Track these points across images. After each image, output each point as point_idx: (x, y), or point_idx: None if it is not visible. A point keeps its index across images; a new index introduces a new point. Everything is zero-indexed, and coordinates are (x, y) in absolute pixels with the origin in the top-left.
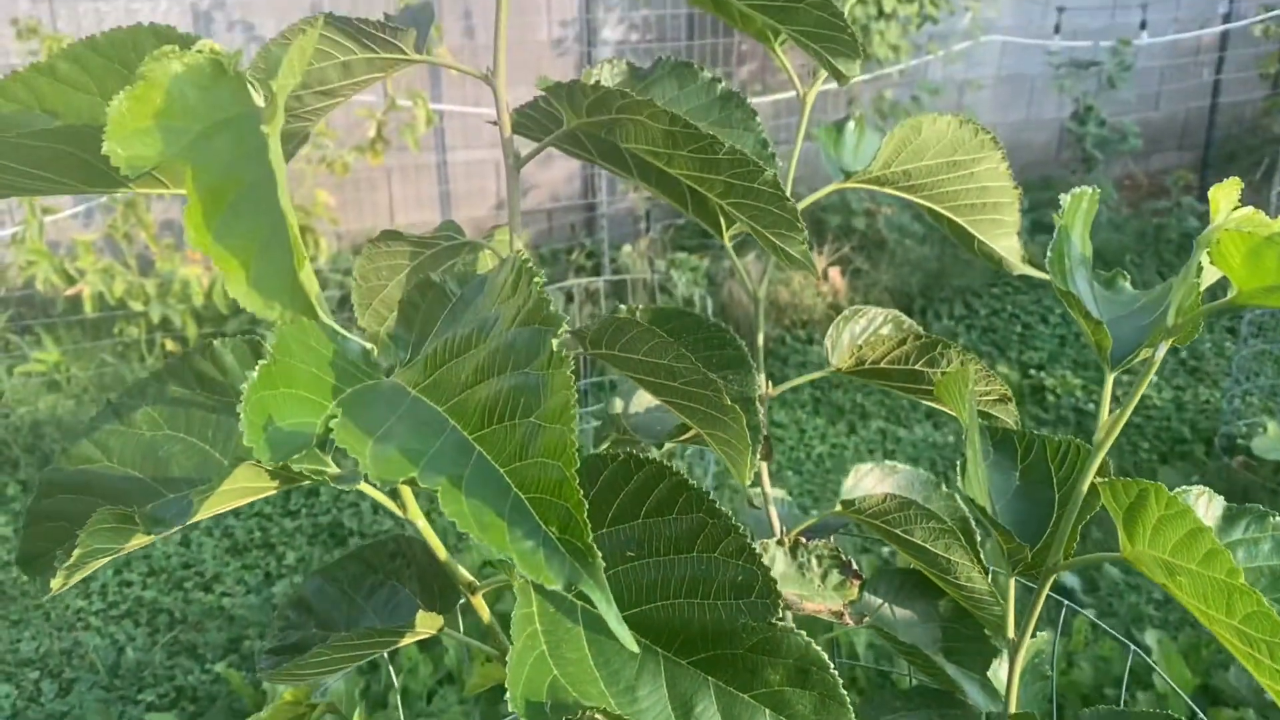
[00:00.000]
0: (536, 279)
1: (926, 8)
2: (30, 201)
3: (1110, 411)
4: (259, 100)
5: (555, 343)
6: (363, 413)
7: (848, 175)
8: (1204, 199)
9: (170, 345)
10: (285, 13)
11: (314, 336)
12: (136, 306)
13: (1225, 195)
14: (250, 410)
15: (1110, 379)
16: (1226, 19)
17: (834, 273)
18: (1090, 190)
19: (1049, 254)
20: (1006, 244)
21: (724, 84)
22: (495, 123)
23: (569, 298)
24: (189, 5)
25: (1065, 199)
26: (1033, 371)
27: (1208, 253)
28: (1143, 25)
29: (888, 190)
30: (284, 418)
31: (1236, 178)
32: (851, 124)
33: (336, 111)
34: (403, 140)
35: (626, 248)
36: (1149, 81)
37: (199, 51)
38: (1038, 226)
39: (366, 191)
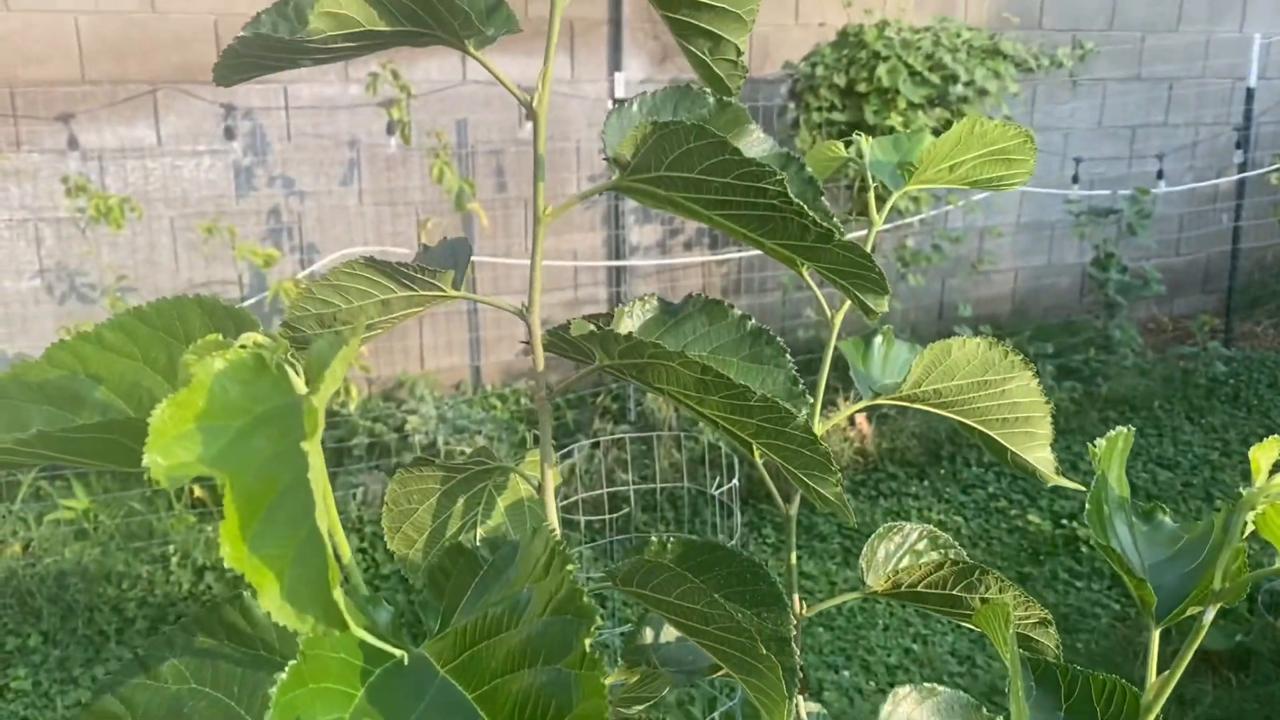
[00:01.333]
0: (570, 566)
1: None
2: None
3: (1157, 672)
4: (299, 385)
5: (588, 642)
6: (390, 699)
7: (878, 393)
8: (1230, 343)
9: (199, 492)
10: (323, 166)
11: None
12: None
13: (1266, 456)
14: (279, 714)
15: (1156, 635)
16: (1242, 168)
17: (861, 419)
18: (1125, 431)
19: (1087, 505)
20: (1040, 455)
21: (752, 321)
22: (528, 344)
23: (595, 445)
24: (231, 162)
25: (1100, 443)
26: (1065, 521)
27: (1253, 520)
28: (1159, 175)
29: (918, 406)
30: (312, 716)
31: (1276, 437)
32: (879, 338)
33: None
34: None
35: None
36: (1169, 227)
37: (243, 346)
38: (1063, 371)
39: (398, 338)
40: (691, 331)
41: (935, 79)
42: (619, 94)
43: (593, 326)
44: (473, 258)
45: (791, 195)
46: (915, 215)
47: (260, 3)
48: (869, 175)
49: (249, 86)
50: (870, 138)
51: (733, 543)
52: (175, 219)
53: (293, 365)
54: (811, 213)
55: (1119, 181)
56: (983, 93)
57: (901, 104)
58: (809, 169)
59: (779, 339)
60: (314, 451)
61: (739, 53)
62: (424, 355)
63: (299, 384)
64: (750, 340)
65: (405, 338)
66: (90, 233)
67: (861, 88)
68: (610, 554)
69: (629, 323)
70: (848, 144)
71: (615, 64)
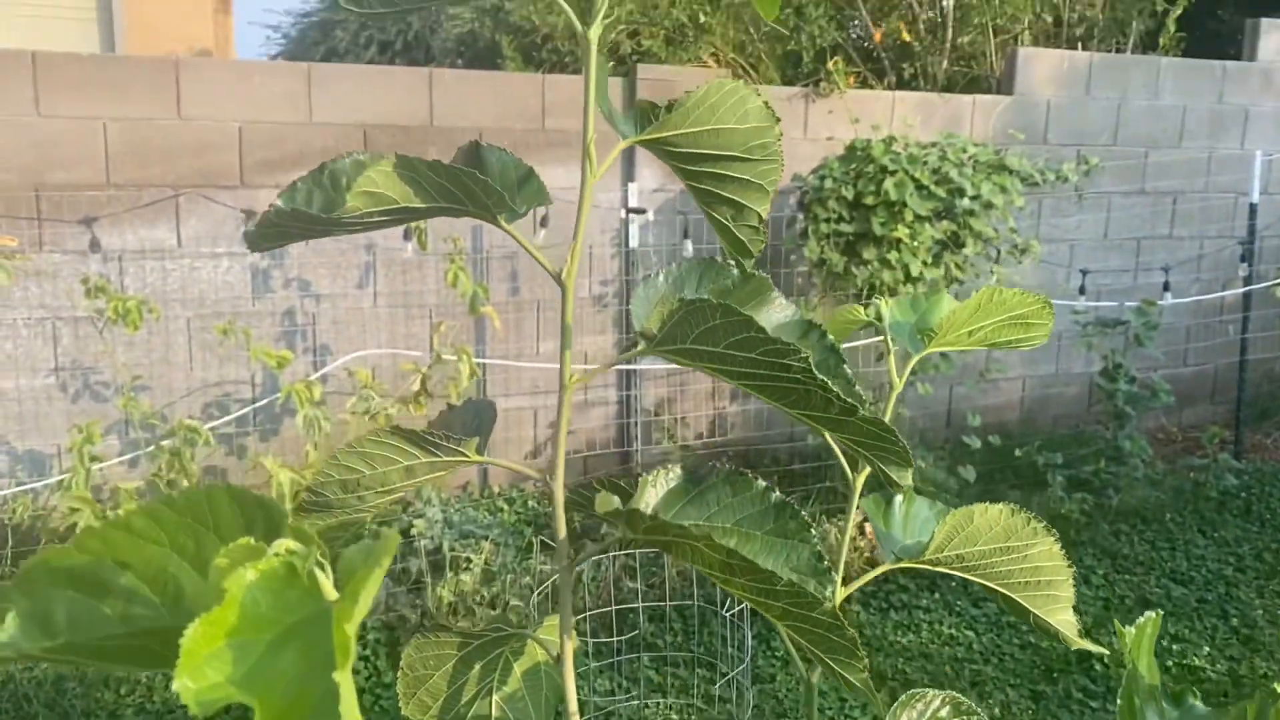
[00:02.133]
0: None
1: (953, 271)
2: (79, 449)
3: None
4: (329, 591)
5: None
6: None
7: (900, 557)
8: (1240, 455)
9: None
10: (340, 270)
11: None
12: None
13: None
14: None
15: None
16: (1247, 281)
17: (870, 527)
18: (1153, 616)
19: (1119, 699)
20: (1062, 618)
21: (776, 494)
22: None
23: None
24: (248, 264)
25: (1129, 631)
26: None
27: None
28: (1166, 287)
29: (941, 570)
30: None
31: None
32: (900, 496)
33: (383, 363)
34: (445, 390)
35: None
36: (1176, 338)
37: (275, 555)
38: (1073, 483)
39: None
40: (715, 502)
41: (942, 193)
42: (632, 203)
43: (618, 501)
44: (485, 360)
45: (815, 371)
46: None
47: (282, 111)
48: (889, 339)
49: (270, 192)
50: (889, 297)
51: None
52: (192, 319)
53: (323, 566)
54: (835, 387)
55: (1125, 293)
56: (989, 206)
57: (908, 216)
58: (830, 337)
59: (802, 514)
60: (345, 682)
61: (761, 219)
62: None
63: (329, 589)
64: (775, 514)
65: None
66: (107, 332)
67: (869, 200)
68: (618, 669)
69: (652, 493)
70: (867, 305)
71: (629, 174)
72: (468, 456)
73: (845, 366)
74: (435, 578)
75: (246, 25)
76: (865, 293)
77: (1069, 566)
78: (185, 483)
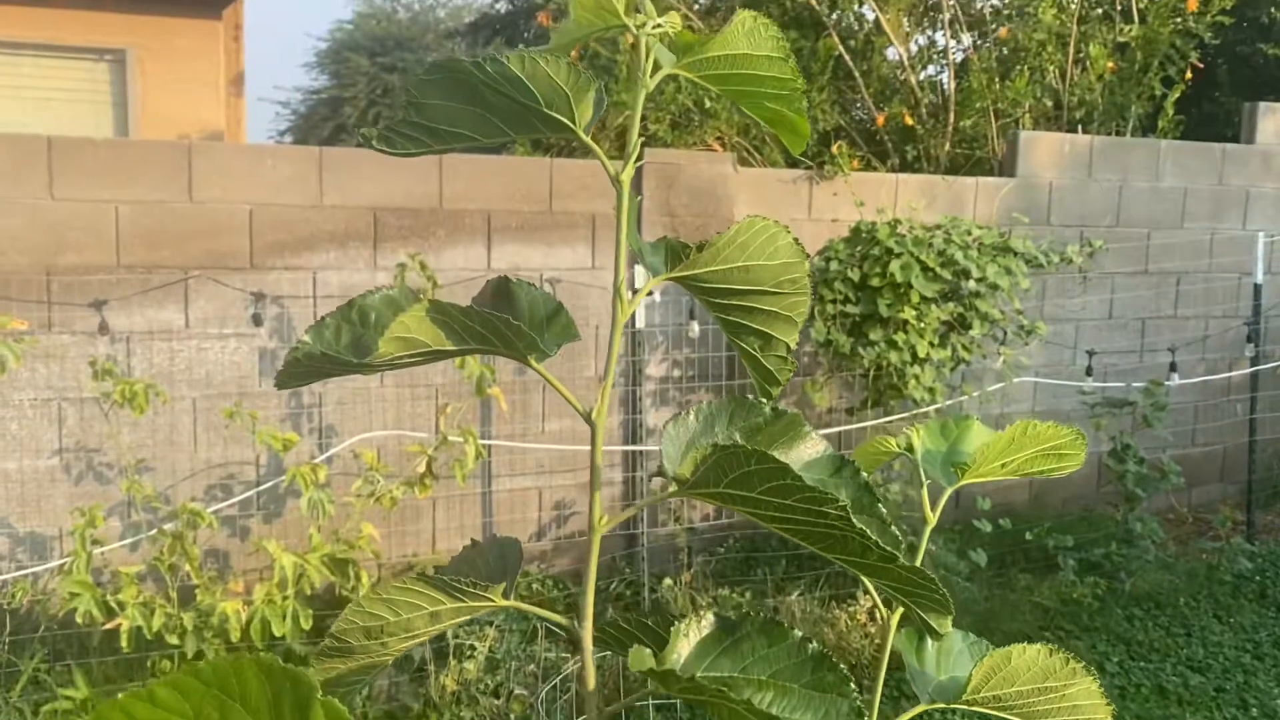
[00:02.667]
0: None
1: (960, 352)
2: (81, 533)
3: None
4: None
5: None
6: None
7: (935, 699)
8: (1252, 538)
9: None
10: None
11: None
12: (172, 641)
13: None
14: None
15: None
16: (1254, 361)
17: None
18: None
19: None
20: None
21: (814, 645)
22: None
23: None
24: (256, 346)
25: None
26: None
27: None
28: (1172, 367)
29: (978, 710)
30: None
31: None
32: (932, 646)
33: (388, 444)
34: (450, 471)
35: (667, 581)
36: (1184, 418)
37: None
38: (1085, 566)
39: (410, 521)
40: (750, 653)
41: (947, 275)
42: (638, 284)
43: (651, 659)
44: (490, 441)
45: (853, 519)
46: (931, 405)
47: (293, 194)
48: (921, 472)
49: (279, 274)
50: (919, 428)
51: None
52: (198, 399)
53: None
54: (873, 534)
55: (1132, 373)
56: (994, 288)
57: (914, 298)
58: (862, 474)
59: (841, 666)
60: None
61: (789, 350)
62: (436, 538)
63: None
64: (812, 666)
65: (418, 520)
66: (113, 414)
67: (875, 282)
68: None
69: (684, 644)
70: (897, 435)
71: (634, 256)
72: (494, 601)
73: (880, 506)
74: (439, 665)
75: (256, 102)
76: (872, 374)
77: (1108, 705)
78: (186, 567)
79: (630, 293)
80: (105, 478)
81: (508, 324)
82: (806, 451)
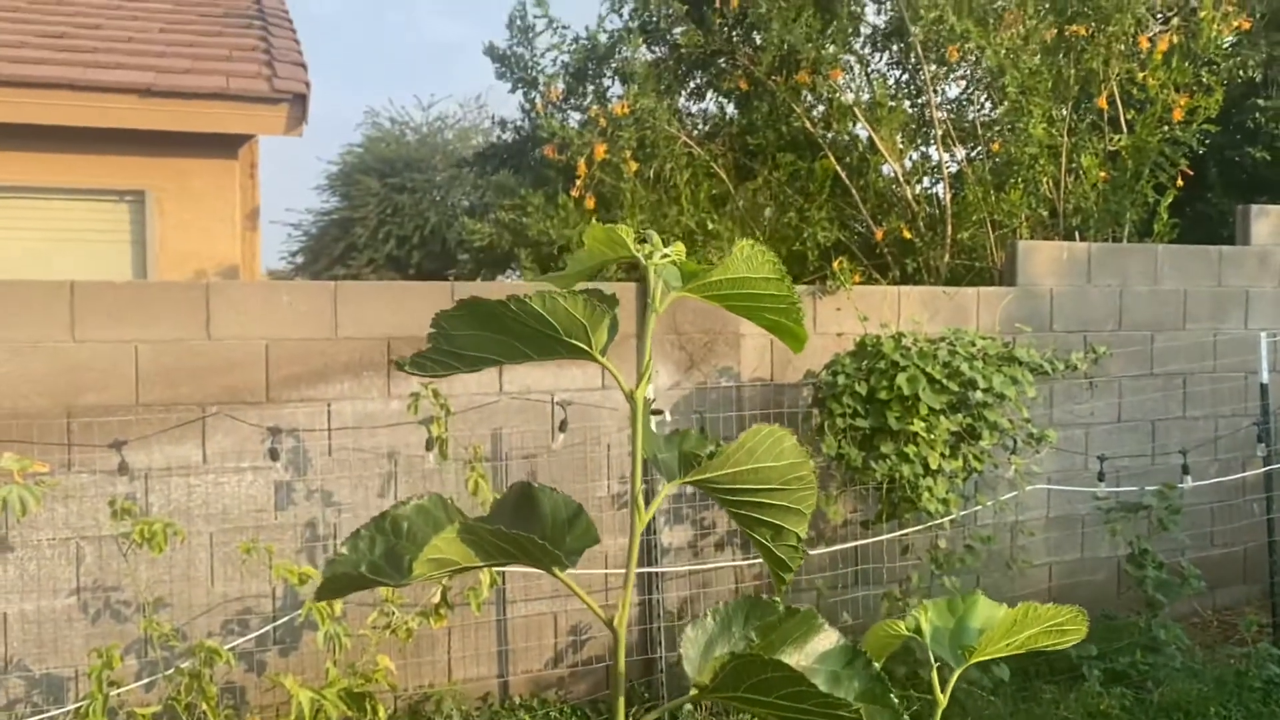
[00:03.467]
0: None
1: (971, 462)
2: (98, 675)
3: None
4: None
5: None
6: None
7: None
8: (1279, 642)
9: None
10: (362, 480)
11: None
12: None
13: None
14: None
15: None
16: (1266, 460)
17: None
18: None
19: None
20: None
21: None
22: None
23: None
24: (272, 479)
25: None
26: None
27: None
28: (1185, 469)
29: None
30: None
31: None
32: None
33: None
34: (465, 599)
35: (688, 707)
36: (1201, 520)
37: None
38: (1110, 676)
39: (426, 651)
40: None
41: (954, 386)
42: (654, 403)
43: None
44: (505, 568)
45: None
46: (945, 516)
47: (308, 328)
48: (930, 654)
49: (295, 407)
50: (927, 608)
51: None
52: (215, 533)
53: None
54: None
55: (1144, 476)
56: (1002, 397)
57: (923, 410)
58: (874, 665)
59: None
60: None
61: (799, 539)
62: (451, 666)
63: None
64: None
65: (433, 650)
66: (130, 551)
67: (883, 395)
68: None
69: None
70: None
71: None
72: None
73: (891, 696)
74: None
75: (269, 224)
76: (885, 486)
77: None
78: (204, 706)
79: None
80: (122, 616)
81: (531, 542)
82: (820, 644)
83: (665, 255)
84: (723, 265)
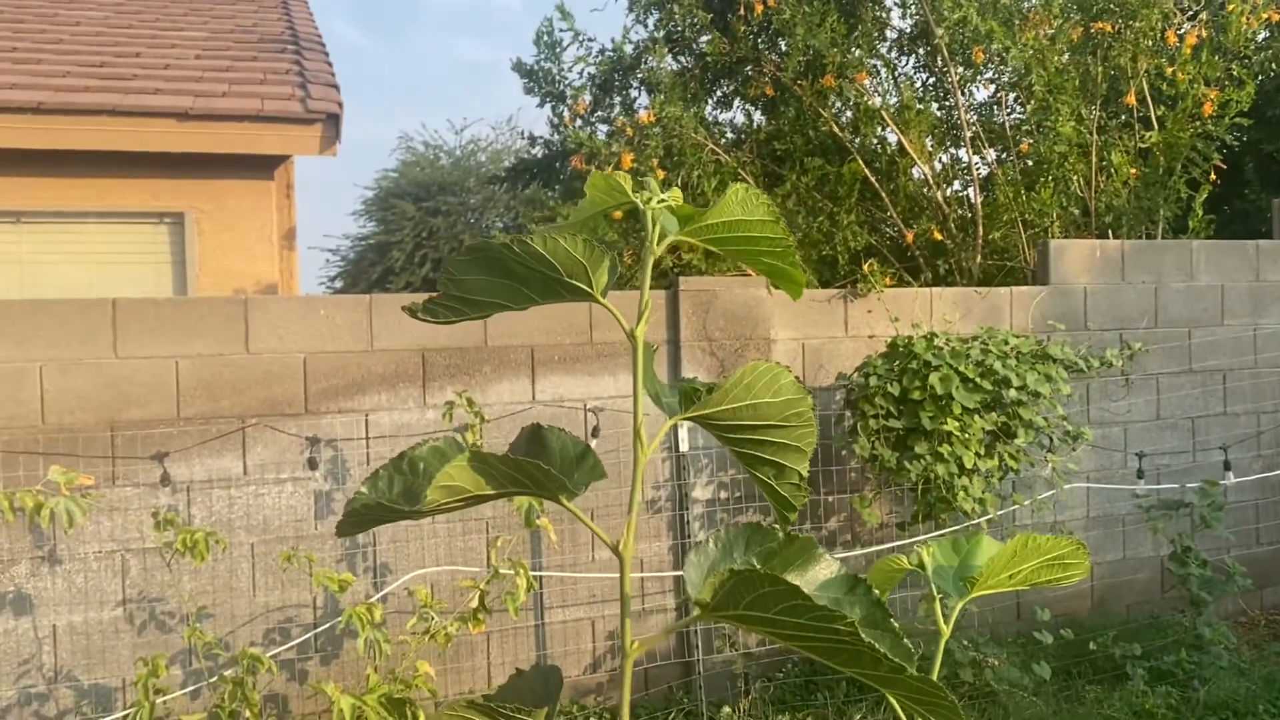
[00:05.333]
0: None
1: (1007, 461)
2: (144, 683)
3: None
4: None
5: None
6: None
7: None
8: None
9: None
10: None
11: None
12: None
13: None
14: None
15: None
16: None
17: None
18: None
19: None
20: None
21: None
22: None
23: None
24: (311, 489)
25: None
26: None
27: None
28: (1226, 465)
29: None
30: None
31: None
32: None
33: (441, 579)
34: (503, 604)
35: (726, 709)
36: (1245, 517)
37: None
38: (1155, 675)
39: (465, 657)
40: None
41: (987, 385)
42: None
43: None
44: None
45: (862, 633)
46: (982, 516)
47: (345, 340)
48: (933, 587)
49: (333, 418)
50: (931, 546)
51: None
52: (256, 544)
53: None
54: (881, 648)
55: (1185, 474)
56: (1036, 395)
57: (957, 410)
58: (875, 591)
59: None
60: None
61: (801, 477)
62: (491, 673)
63: None
64: None
65: (473, 655)
66: (174, 562)
67: (916, 395)
68: None
69: None
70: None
71: (675, 377)
72: None
73: (891, 620)
74: None
75: (307, 250)
76: (920, 487)
77: None
78: (247, 713)
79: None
80: (167, 626)
81: (539, 468)
82: (821, 573)
83: (662, 200)
84: (717, 208)
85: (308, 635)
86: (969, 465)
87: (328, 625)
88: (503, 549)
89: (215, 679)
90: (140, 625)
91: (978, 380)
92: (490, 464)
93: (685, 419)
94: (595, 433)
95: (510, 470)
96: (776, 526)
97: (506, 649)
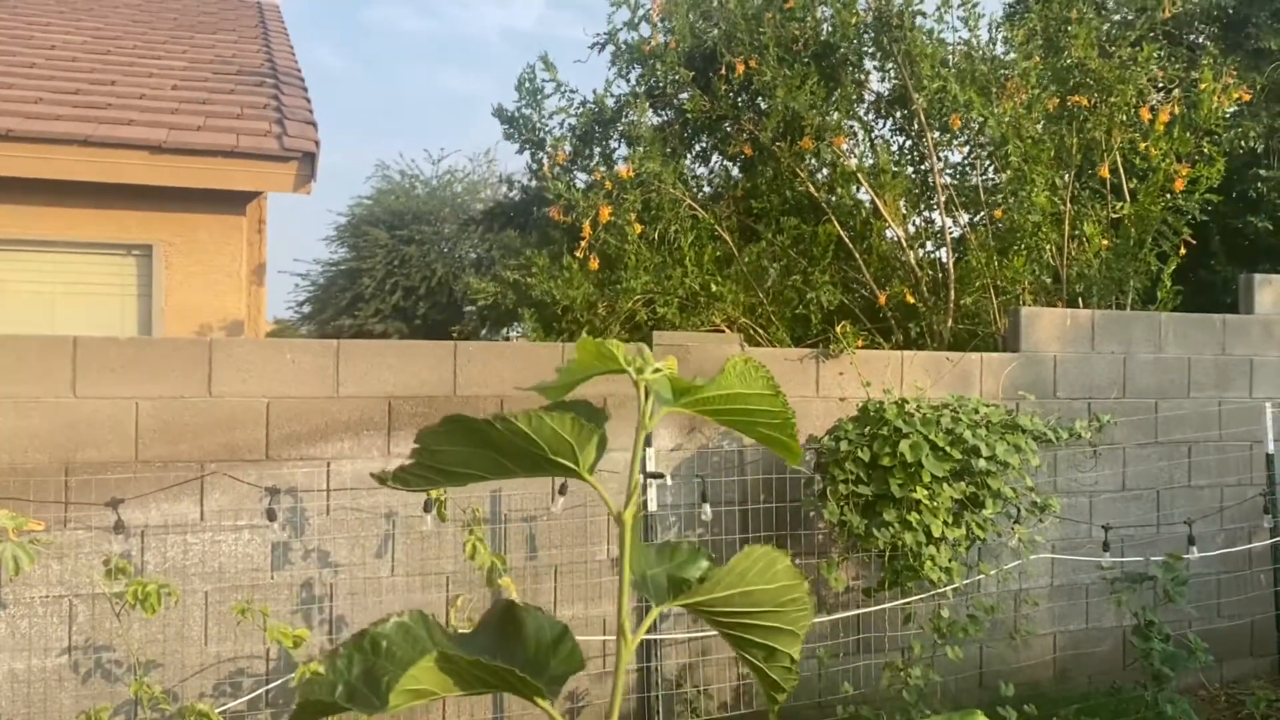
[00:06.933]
0: None
1: (974, 530)
2: None
3: None
4: None
5: None
6: None
7: None
8: None
9: None
10: (359, 540)
11: None
12: None
13: None
14: None
15: None
16: (1273, 532)
17: None
18: None
19: None
20: None
21: None
22: None
23: None
24: (269, 539)
25: None
26: None
27: None
28: (1190, 540)
29: None
30: None
31: None
32: None
33: None
34: None
35: None
36: (1207, 591)
37: None
38: None
39: (420, 714)
40: None
41: (957, 454)
42: (651, 467)
43: None
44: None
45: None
46: (948, 585)
47: (310, 386)
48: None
49: (294, 465)
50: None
51: None
52: (210, 592)
53: None
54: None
55: (1150, 545)
56: (1005, 466)
57: (926, 477)
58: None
59: None
60: None
61: (793, 660)
62: None
63: None
64: None
65: (427, 714)
66: (124, 610)
67: (886, 461)
68: None
69: None
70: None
71: (645, 438)
72: None
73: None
74: None
75: (277, 274)
76: (887, 554)
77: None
78: None
79: (641, 477)
80: (113, 675)
81: (513, 674)
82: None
83: (656, 370)
84: (716, 381)
85: (259, 691)
86: (937, 534)
87: (280, 680)
88: (462, 608)
89: None
90: (85, 674)
91: (947, 449)
92: (459, 664)
93: (673, 605)
94: (563, 489)
95: (480, 673)
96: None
97: (463, 709)
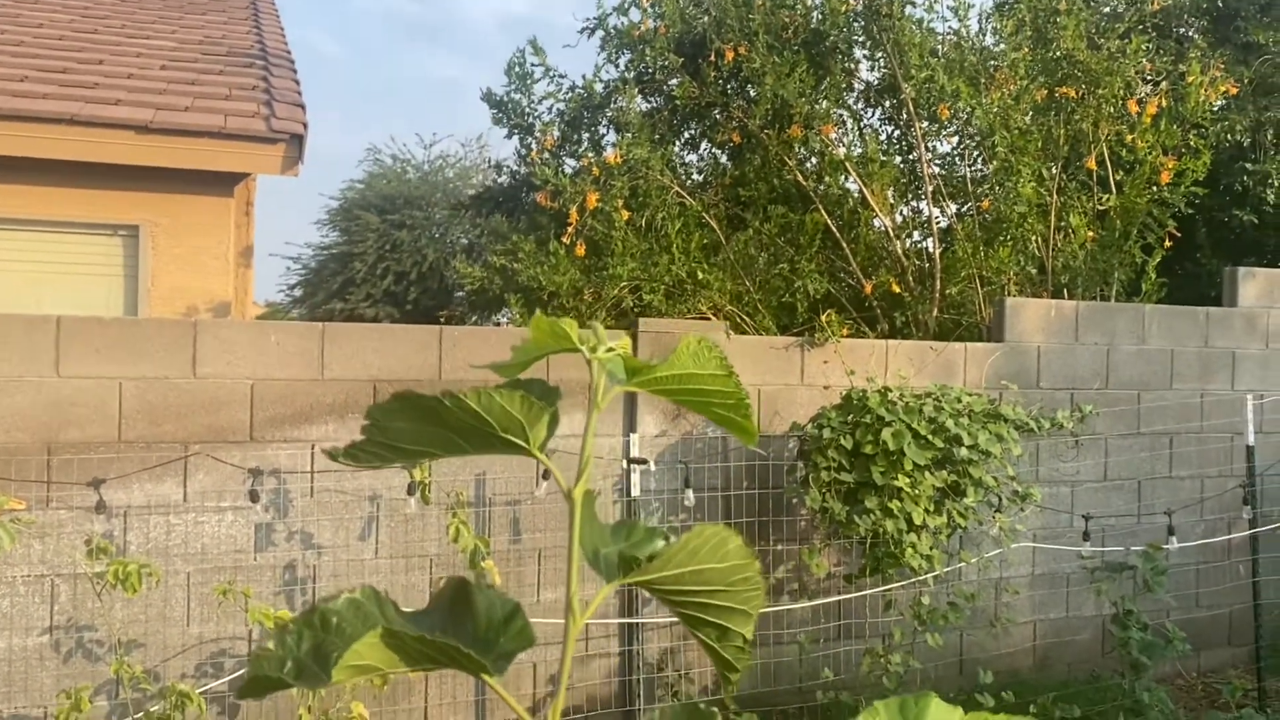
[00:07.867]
0: None
1: (955, 519)
2: (65, 717)
3: None
4: None
5: None
6: None
7: None
8: (1264, 705)
9: None
10: (343, 522)
11: None
12: None
13: None
14: None
15: None
16: (1253, 523)
17: None
18: None
19: None
20: None
21: None
22: None
23: None
24: (252, 520)
25: None
26: None
27: None
28: (1170, 530)
29: None
30: None
31: None
32: None
33: None
34: None
35: None
36: (1186, 581)
37: None
38: None
39: (402, 698)
40: None
41: (939, 442)
42: (634, 453)
43: None
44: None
45: None
46: (929, 572)
47: (295, 368)
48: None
49: (278, 447)
50: (877, 704)
51: None
52: (193, 573)
53: None
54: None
55: (1130, 535)
56: (987, 455)
57: (908, 466)
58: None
59: None
60: None
61: (745, 640)
62: (429, 714)
63: None
64: None
65: (410, 697)
66: (106, 590)
67: (868, 449)
68: None
69: None
70: None
71: (630, 424)
72: None
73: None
74: None
75: (268, 257)
76: (869, 541)
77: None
78: None
79: (625, 463)
80: (95, 655)
81: (458, 651)
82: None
83: (610, 349)
84: (669, 361)
85: (241, 671)
86: (918, 522)
87: None
88: None
89: (141, 715)
90: (67, 654)
91: (930, 437)
92: (405, 641)
93: (625, 583)
94: (546, 474)
95: (425, 648)
96: (714, 710)
97: (445, 690)
